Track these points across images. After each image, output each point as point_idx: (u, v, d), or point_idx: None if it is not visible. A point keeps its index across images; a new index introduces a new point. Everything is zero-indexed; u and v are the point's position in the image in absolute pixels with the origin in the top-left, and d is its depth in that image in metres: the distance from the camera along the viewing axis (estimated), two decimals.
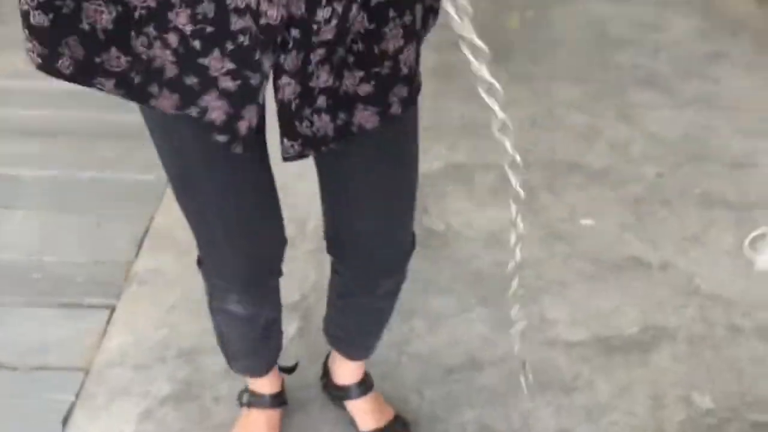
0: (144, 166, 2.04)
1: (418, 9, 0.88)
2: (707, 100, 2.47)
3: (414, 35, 0.89)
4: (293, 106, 0.86)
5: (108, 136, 2.22)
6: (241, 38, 0.80)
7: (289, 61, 0.82)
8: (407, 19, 0.86)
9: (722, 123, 2.35)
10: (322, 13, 0.79)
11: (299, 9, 0.78)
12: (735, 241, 1.90)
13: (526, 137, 2.24)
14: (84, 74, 0.83)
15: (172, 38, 0.80)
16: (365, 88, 0.88)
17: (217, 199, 1.02)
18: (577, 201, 2.04)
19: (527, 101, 2.42)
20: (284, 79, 0.84)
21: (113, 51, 0.82)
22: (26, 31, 0.80)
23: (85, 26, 0.80)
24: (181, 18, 0.79)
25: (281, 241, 1.14)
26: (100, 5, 0.79)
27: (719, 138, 2.29)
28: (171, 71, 0.83)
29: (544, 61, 2.68)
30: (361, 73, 0.87)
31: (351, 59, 0.86)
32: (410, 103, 0.93)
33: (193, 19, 0.79)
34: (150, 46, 0.81)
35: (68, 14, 0.79)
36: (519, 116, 2.36)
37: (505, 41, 2.73)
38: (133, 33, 0.81)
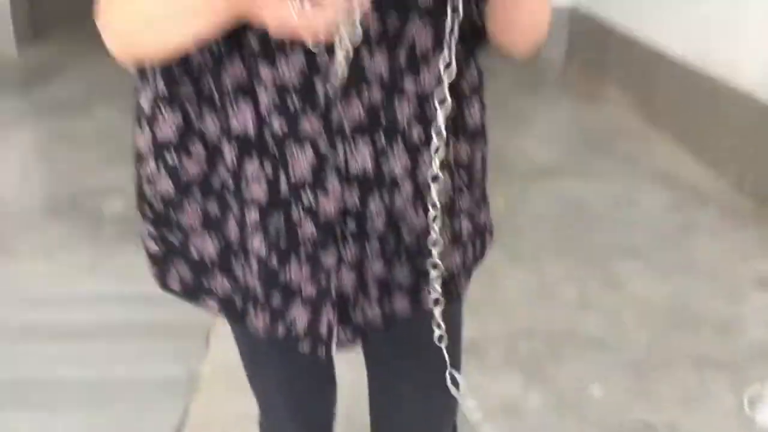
0: (173, 362, 2.12)
1: (463, 221, 1.00)
2: (686, 268, 2.66)
3: (458, 241, 1.00)
4: (351, 296, 0.93)
5: (139, 335, 2.30)
6: (308, 244, 0.90)
7: (348, 253, 0.90)
8: (465, 223, 0.99)
9: (703, 289, 2.53)
10: (374, 204, 0.89)
11: (353, 200, 0.88)
12: (734, 400, 2.01)
13: (524, 310, 2.39)
14: (193, 294, 0.97)
15: (254, 263, 0.92)
16: (411, 281, 0.96)
17: (281, 379, 1.13)
18: (582, 369, 2.15)
19: (520, 275, 2.60)
20: (344, 271, 0.91)
21: (218, 276, 0.95)
22: (146, 256, 0.95)
23: (194, 255, 0.95)
24: (255, 242, 0.90)
25: (334, 415, 1.24)
26: (204, 239, 0.94)
27: (703, 303, 2.46)
28: (259, 293, 0.94)
29: (530, 238, 2.89)
30: (408, 266, 0.95)
31: (404, 255, 0.94)
32: (451, 300, 0.99)
33: (266, 240, 0.90)
34: (244, 272, 0.94)
35: (178, 246, 0.95)
36: (514, 291, 2.53)
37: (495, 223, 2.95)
38: (233, 259, 0.94)
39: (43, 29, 5.74)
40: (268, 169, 0.87)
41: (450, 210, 0.97)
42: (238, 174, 0.89)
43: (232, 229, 0.93)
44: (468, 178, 0.99)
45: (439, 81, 0.85)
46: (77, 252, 2.67)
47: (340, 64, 0.78)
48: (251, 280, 0.93)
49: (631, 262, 2.71)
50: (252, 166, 0.88)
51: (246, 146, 0.87)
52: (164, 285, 0.98)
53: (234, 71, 0.85)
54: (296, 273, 0.91)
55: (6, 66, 5.15)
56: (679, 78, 3.87)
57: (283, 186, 0.87)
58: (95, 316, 2.37)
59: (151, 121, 0.91)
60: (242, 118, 0.86)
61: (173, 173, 0.91)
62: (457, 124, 0.94)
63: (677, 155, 3.69)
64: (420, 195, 0.91)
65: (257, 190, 0.88)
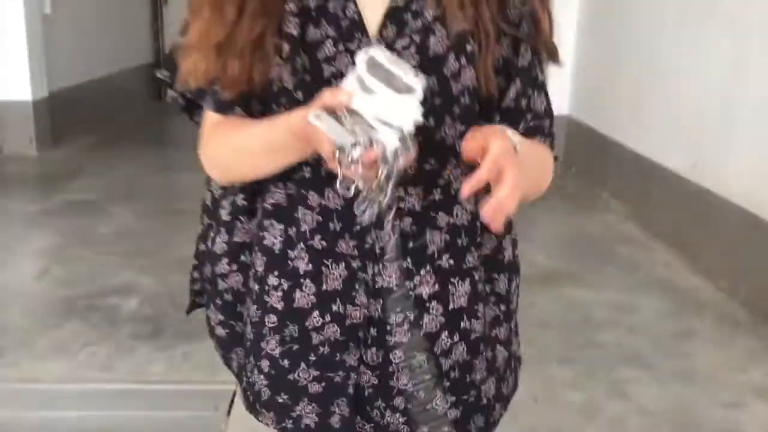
0: None
1: (500, 351, 1.12)
2: (686, 375, 2.74)
3: (495, 371, 1.11)
4: (366, 393, 1.03)
5: None
6: (321, 349, 1.02)
7: (369, 355, 1.01)
8: (489, 354, 1.09)
9: (703, 396, 2.60)
10: (395, 318, 0.99)
11: (377, 311, 1.00)
12: None
13: (531, 415, 2.45)
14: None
15: (265, 365, 1.05)
16: (453, 413, 1.05)
17: None
18: None
19: (527, 380, 2.66)
20: (362, 371, 1.02)
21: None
22: (215, 340, 1.13)
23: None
24: (270, 344, 1.04)
25: None
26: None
27: (703, 410, 2.52)
28: (265, 394, 1.06)
29: (535, 342, 2.96)
30: (453, 399, 1.05)
31: (447, 384, 1.04)
32: (487, 429, 1.10)
33: (283, 345, 1.03)
34: (250, 373, 1.08)
35: (239, 332, 1.09)
36: (520, 394, 2.58)
37: None
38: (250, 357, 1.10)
39: (62, 134, 5.99)
40: (287, 283, 1.02)
41: (489, 340, 1.09)
42: (263, 282, 1.03)
43: (248, 327, 1.08)
44: (506, 308, 1.12)
45: (474, 218, 1.01)
46: (95, 349, 2.75)
47: (378, 205, 0.87)
48: (258, 381, 1.07)
49: (634, 368, 2.78)
50: (273, 278, 1.02)
51: (271, 260, 1.02)
52: (228, 365, 1.14)
53: (278, 194, 1.01)
54: (303, 375, 1.04)
55: (27, 168, 5.36)
56: (673, 188, 4.05)
57: (303, 298, 1.01)
58: (113, 413, 2.43)
59: (230, 226, 1.07)
60: (271, 235, 1.02)
61: (243, 270, 1.07)
62: (495, 259, 1.09)
63: (674, 263, 3.81)
64: (452, 321, 1.03)
65: (276, 298, 1.03)
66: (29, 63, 5.54)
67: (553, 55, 1.04)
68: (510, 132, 0.88)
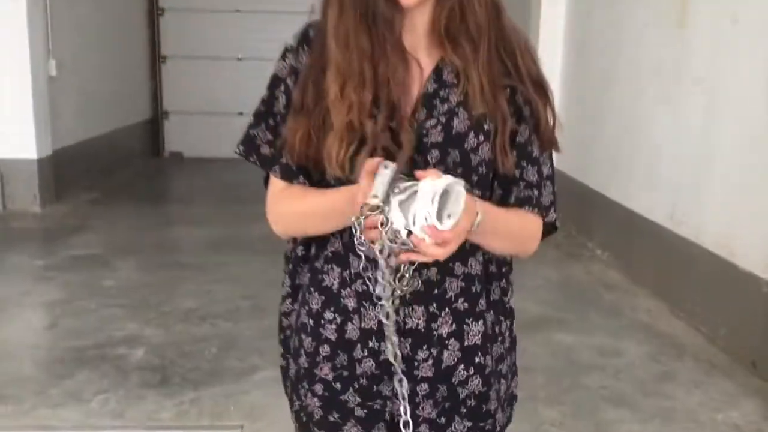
0: None
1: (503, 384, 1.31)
2: (667, 415, 2.89)
3: (506, 401, 1.32)
4: (401, 422, 1.19)
5: None
6: (361, 380, 1.22)
7: (401, 388, 1.17)
8: (498, 387, 1.29)
9: None
10: (422, 354, 1.20)
11: (405, 349, 1.20)
12: None
13: None
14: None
15: (318, 388, 1.24)
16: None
17: None
18: None
19: (516, 421, 2.81)
20: (395, 400, 1.19)
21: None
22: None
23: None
24: (324, 370, 1.23)
25: None
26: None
27: None
28: (318, 414, 1.25)
29: (524, 385, 3.11)
30: (469, 424, 1.25)
31: (464, 410, 1.25)
32: None
33: (335, 371, 1.23)
34: (304, 397, 1.25)
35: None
36: None
37: None
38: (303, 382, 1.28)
39: (64, 190, 6.18)
40: (340, 317, 1.22)
41: (497, 375, 1.29)
42: (319, 317, 1.23)
43: (303, 359, 1.26)
44: (510, 346, 1.33)
45: (486, 267, 1.24)
46: (107, 397, 2.89)
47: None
48: (311, 403, 1.26)
49: (617, 409, 2.94)
50: (329, 313, 1.23)
51: (328, 298, 1.23)
52: (285, 391, 1.36)
53: (336, 243, 1.22)
54: (350, 398, 1.23)
55: (31, 224, 5.52)
56: (654, 238, 4.26)
57: (353, 330, 1.21)
58: None
59: (292, 272, 1.29)
60: (330, 277, 1.23)
61: (305, 305, 1.27)
62: (499, 305, 1.29)
63: (656, 309, 4.00)
64: (468, 356, 1.23)
65: (330, 331, 1.23)
66: (35, 123, 5.75)
67: (552, 144, 1.24)
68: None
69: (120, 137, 7.79)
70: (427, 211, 0.99)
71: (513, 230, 1.22)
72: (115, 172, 7.40)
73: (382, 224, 1.03)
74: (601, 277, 4.60)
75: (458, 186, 1.01)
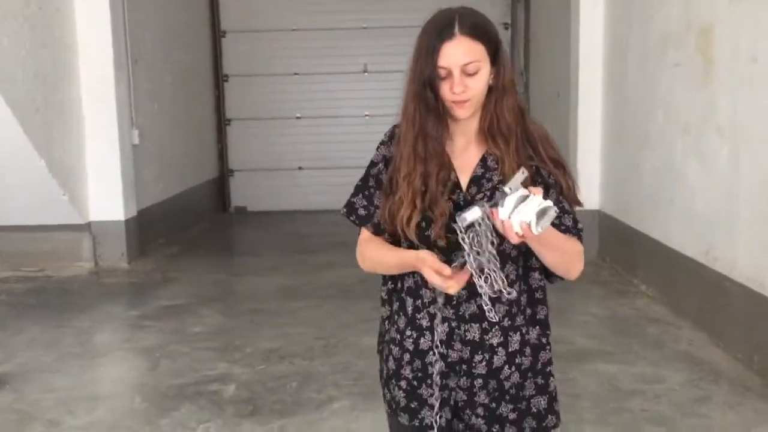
0: None
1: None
2: None
3: (547, 393, 1.76)
4: (460, 404, 1.70)
5: None
6: (435, 377, 1.68)
7: (462, 382, 1.69)
8: (539, 380, 1.75)
9: None
10: (477, 357, 1.68)
11: (466, 354, 1.68)
12: None
13: None
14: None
15: (403, 383, 1.72)
16: (512, 416, 1.71)
17: None
18: None
19: None
20: (458, 391, 1.70)
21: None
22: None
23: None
24: (407, 371, 1.72)
25: None
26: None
27: None
28: (403, 402, 1.73)
29: (573, 409, 3.48)
30: (511, 406, 1.71)
31: (507, 397, 1.71)
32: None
33: (413, 372, 1.71)
34: (393, 390, 1.74)
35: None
36: None
37: None
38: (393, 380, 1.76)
39: (147, 247, 6.81)
40: (416, 333, 1.71)
41: (536, 371, 1.75)
42: (403, 333, 1.73)
43: (392, 362, 1.75)
44: (533, 359, 1.74)
45: (519, 295, 1.68)
46: (209, 426, 3.36)
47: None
48: (397, 395, 1.74)
49: (658, 428, 3.27)
50: (409, 331, 1.72)
51: (408, 320, 1.72)
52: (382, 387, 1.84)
53: (410, 280, 1.71)
54: (424, 392, 1.71)
55: (121, 279, 6.13)
56: (693, 274, 4.59)
57: (425, 343, 1.69)
58: None
59: (387, 301, 1.80)
60: (408, 305, 1.71)
61: (395, 324, 1.78)
62: (531, 319, 1.74)
63: (697, 339, 4.31)
64: (511, 359, 1.70)
65: (410, 343, 1.72)
66: (122, 188, 6.41)
67: (576, 201, 1.72)
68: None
69: (192, 195, 8.45)
70: (532, 215, 1.43)
71: (564, 246, 1.65)
72: (189, 227, 8.03)
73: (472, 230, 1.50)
74: (646, 312, 4.92)
75: (553, 212, 1.45)
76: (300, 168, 9.61)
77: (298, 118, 9.61)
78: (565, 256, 1.66)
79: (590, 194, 6.49)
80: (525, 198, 1.44)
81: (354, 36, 9.39)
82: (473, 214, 1.48)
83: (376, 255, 1.74)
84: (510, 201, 1.45)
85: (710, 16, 4.33)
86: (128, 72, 6.60)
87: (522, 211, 1.44)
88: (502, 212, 1.46)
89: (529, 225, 1.43)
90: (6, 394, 3.73)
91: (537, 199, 1.44)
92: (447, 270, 1.54)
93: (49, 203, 5.96)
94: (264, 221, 8.77)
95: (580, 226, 1.72)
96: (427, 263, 1.57)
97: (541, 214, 1.44)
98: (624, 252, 5.89)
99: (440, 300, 1.67)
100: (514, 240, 1.48)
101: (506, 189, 1.46)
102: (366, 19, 9.32)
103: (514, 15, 9.62)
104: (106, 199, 6.36)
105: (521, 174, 1.48)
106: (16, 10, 5.31)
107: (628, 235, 5.73)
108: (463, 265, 1.55)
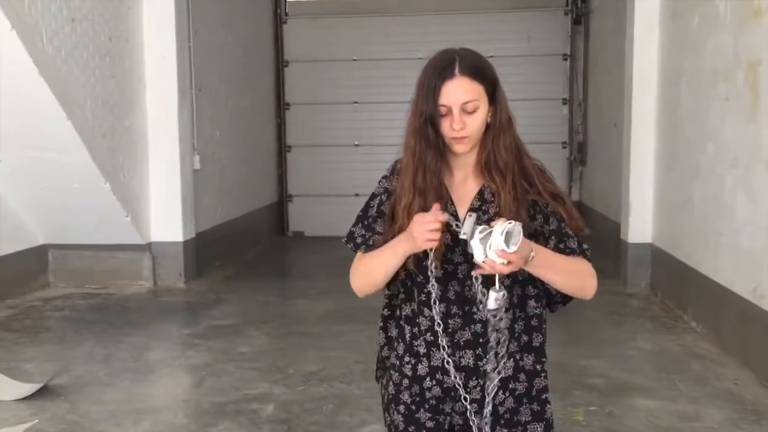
0: None
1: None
2: None
3: (543, 420, 1.80)
4: (456, 428, 1.77)
5: None
6: (431, 401, 1.76)
7: (457, 406, 1.75)
8: (534, 407, 1.80)
9: None
10: (472, 383, 1.75)
11: (461, 380, 1.74)
12: None
13: None
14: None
15: (402, 408, 1.79)
16: None
17: None
18: None
19: None
20: (453, 415, 1.77)
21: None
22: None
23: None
24: (405, 396, 1.78)
25: None
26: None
27: None
28: (401, 426, 1.79)
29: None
30: (505, 430, 1.77)
31: (502, 422, 1.76)
32: None
33: (411, 397, 1.77)
34: (393, 414, 1.80)
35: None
36: None
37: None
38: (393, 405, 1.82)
39: (204, 268, 7.06)
40: (413, 360, 1.78)
41: (530, 397, 1.80)
42: (402, 359, 1.80)
43: (391, 388, 1.81)
44: (527, 385, 1.79)
45: (512, 327, 1.74)
46: None
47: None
48: (396, 418, 1.80)
49: None
50: (407, 357, 1.79)
51: (406, 347, 1.79)
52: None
53: (407, 309, 1.80)
54: (422, 415, 1.79)
55: (178, 298, 6.37)
56: (739, 310, 4.50)
57: (422, 369, 1.76)
58: None
59: (384, 328, 1.87)
60: (406, 333, 1.80)
61: (394, 350, 1.85)
62: (525, 346, 1.78)
63: (744, 378, 4.21)
64: (505, 384, 1.76)
65: (408, 369, 1.78)
66: (182, 210, 6.68)
67: (580, 229, 1.78)
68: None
69: (250, 219, 8.71)
70: (499, 241, 1.52)
71: (569, 266, 1.71)
72: (247, 250, 8.26)
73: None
74: (693, 348, 4.83)
75: (518, 227, 1.55)
76: (356, 195, 9.76)
77: (355, 145, 9.81)
78: (572, 276, 1.72)
79: (643, 228, 6.43)
80: (488, 233, 1.54)
81: (412, 66, 9.44)
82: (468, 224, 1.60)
83: (366, 261, 1.79)
84: (476, 243, 1.55)
85: (759, 51, 4.29)
86: (191, 100, 6.90)
87: (492, 243, 1.52)
88: (477, 256, 1.56)
89: (503, 251, 1.52)
90: (60, 405, 3.94)
91: (498, 227, 1.53)
92: (434, 210, 1.64)
93: (112, 224, 6.26)
94: (319, 246, 8.94)
95: (585, 246, 1.77)
96: (415, 222, 1.63)
97: (508, 236, 1.52)
98: (675, 286, 5.80)
99: (433, 269, 1.70)
100: (505, 270, 1.55)
101: (462, 235, 1.57)
102: (422, 50, 9.45)
103: (573, 46, 9.64)
104: (167, 221, 6.64)
105: (469, 218, 1.59)
106: (87, 41, 5.65)
107: (679, 270, 5.64)
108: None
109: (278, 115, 9.93)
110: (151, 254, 6.63)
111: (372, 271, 1.78)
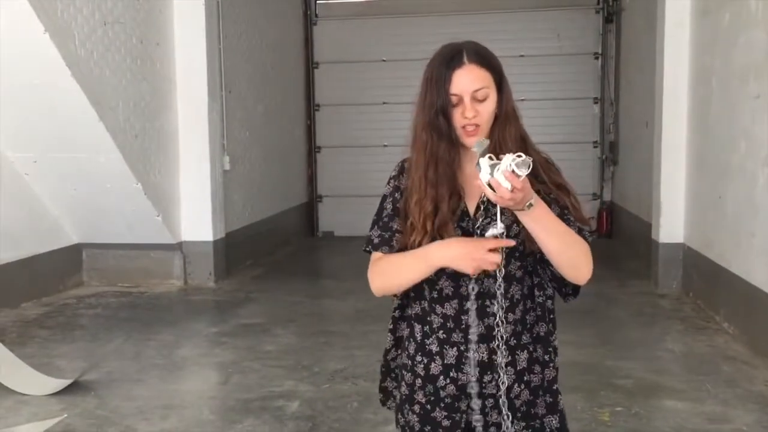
0: None
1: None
2: None
3: (557, 412, 1.80)
4: (473, 426, 1.75)
5: None
6: (447, 400, 1.75)
7: (473, 403, 1.74)
8: (548, 399, 1.79)
9: None
10: (487, 377, 1.74)
11: (476, 376, 1.73)
12: None
13: None
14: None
15: (417, 407, 1.78)
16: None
17: None
18: None
19: None
20: (470, 412, 1.75)
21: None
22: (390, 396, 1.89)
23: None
24: (419, 396, 1.78)
25: None
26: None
27: None
28: (417, 426, 1.78)
29: None
30: (523, 423, 1.76)
31: (519, 415, 1.75)
32: None
33: (426, 396, 1.77)
34: (407, 414, 1.80)
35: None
36: None
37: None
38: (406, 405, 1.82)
39: (233, 267, 7.13)
40: (426, 359, 1.78)
41: (545, 389, 1.80)
42: (414, 359, 1.80)
43: (404, 388, 1.81)
44: (542, 376, 1.79)
45: (524, 318, 1.74)
46: None
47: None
48: (411, 419, 1.80)
49: None
50: (419, 356, 1.79)
51: (418, 346, 1.79)
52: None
53: (417, 307, 1.79)
54: (438, 414, 1.77)
55: (207, 297, 6.45)
56: None
57: (435, 368, 1.76)
58: None
59: (394, 328, 1.86)
60: (417, 331, 1.79)
61: (405, 350, 1.85)
62: (537, 338, 1.78)
63: None
64: (520, 377, 1.75)
65: (420, 368, 1.78)
66: (212, 210, 6.76)
67: (584, 221, 1.76)
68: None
69: (280, 219, 8.77)
70: (507, 164, 1.50)
71: (565, 234, 1.65)
72: (276, 250, 8.33)
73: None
74: (724, 350, 4.75)
75: (528, 161, 1.52)
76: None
77: (385, 146, 9.82)
78: (567, 245, 1.65)
79: (675, 227, 6.34)
80: (498, 163, 1.53)
81: None
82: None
83: (391, 261, 1.75)
84: (484, 164, 1.54)
85: None
86: (222, 101, 6.98)
87: (500, 167, 1.51)
88: (483, 176, 1.53)
89: (512, 172, 1.49)
90: (90, 400, 4.01)
91: (509, 155, 1.52)
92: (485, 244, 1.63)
93: (144, 224, 6.36)
94: (348, 246, 8.94)
95: (586, 232, 1.73)
96: (475, 248, 1.63)
97: (518, 166, 1.50)
98: (707, 287, 5.70)
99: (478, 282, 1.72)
100: (507, 196, 1.51)
101: (473, 149, 1.60)
102: None
103: (604, 45, 9.54)
104: (197, 221, 6.72)
105: (485, 142, 1.60)
106: (118, 44, 5.75)
107: (710, 270, 5.55)
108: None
109: (308, 116, 9.99)
110: (181, 253, 6.71)
111: (398, 275, 1.75)
